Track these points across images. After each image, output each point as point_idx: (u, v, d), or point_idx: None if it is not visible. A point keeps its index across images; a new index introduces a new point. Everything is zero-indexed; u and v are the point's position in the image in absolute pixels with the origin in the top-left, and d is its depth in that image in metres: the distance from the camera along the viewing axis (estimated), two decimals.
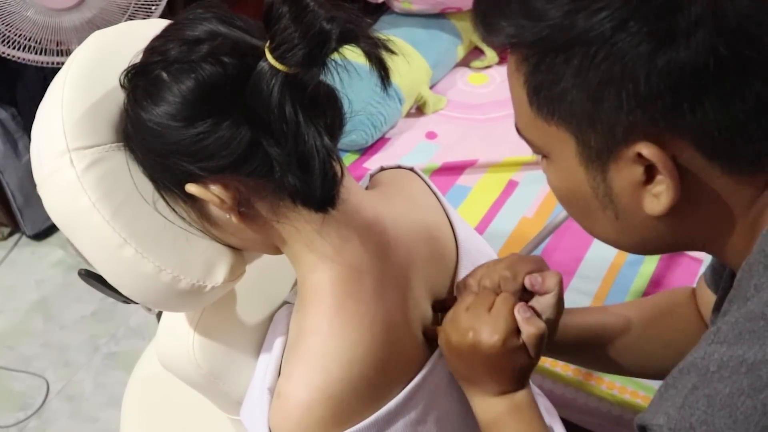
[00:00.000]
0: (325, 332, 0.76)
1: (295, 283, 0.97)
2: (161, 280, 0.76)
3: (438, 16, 2.27)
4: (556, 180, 0.66)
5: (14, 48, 1.80)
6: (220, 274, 0.79)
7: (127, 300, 0.88)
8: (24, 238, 2.53)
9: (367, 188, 0.93)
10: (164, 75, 0.70)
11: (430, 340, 0.85)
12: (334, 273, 0.78)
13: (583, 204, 0.64)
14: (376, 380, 0.77)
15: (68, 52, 1.87)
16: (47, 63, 1.88)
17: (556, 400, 1.40)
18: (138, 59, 0.74)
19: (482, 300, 0.80)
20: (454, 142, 2.05)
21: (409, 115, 2.15)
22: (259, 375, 0.83)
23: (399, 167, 0.98)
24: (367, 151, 2.02)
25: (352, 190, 0.80)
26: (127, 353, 2.16)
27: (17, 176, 2.36)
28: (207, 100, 0.69)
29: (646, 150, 0.56)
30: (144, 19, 1.91)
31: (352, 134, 1.92)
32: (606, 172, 0.60)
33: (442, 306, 0.87)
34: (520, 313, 0.78)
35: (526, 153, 1.94)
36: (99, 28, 1.84)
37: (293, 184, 0.70)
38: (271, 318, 0.91)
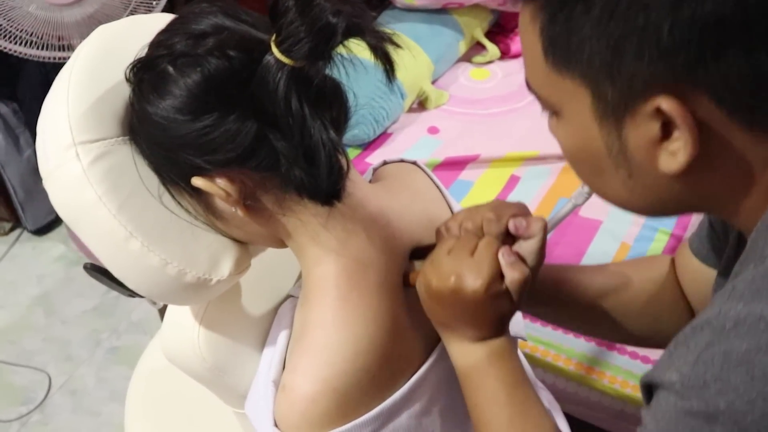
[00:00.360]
0: (329, 325, 0.76)
1: (299, 277, 0.97)
2: (167, 274, 0.76)
3: (440, 12, 2.27)
4: (566, 138, 0.65)
5: (16, 43, 1.80)
6: (225, 267, 0.80)
7: (132, 294, 0.88)
8: (25, 233, 2.54)
9: (370, 182, 0.94)
10: (170, 69, 0.70)
11: (409, 285, 0.82)
12: (339, 266, 0.78)
13: (594, 163, 0.63)
14: (380, 372, 0.77)
15: (69, 47, 1.88)
16: (48, 58, 1.88)
17: (558, 395, 1.40)
18: (143, 53, 0.75)
19: (465, 243, 0.76)
20: (456, 137, 2.05)
21: (411, 110, 2.15)
22: (264, 368, 0.84)
23: (402, 161, 0.98)
24: (369, 146, 2.02)
25: (357, 183, 0.80)
26: (129, 348, 2.17)
27: (19, 171, 2.37)
28: (213, 93, 0.69)
29: (666, 104, 0.54)
30: (145, 14, 1.91)
31: (355, 129, 1.92)
32: (621, 128, 0.58)
33: (420, 253, 0.83)
34: (505, 257, 0.74)
35: (528, 148, 1.95)
36: (100, 23, 1.84)
37: (299, 178, 0.71)
38: (275, 312, 0.91)
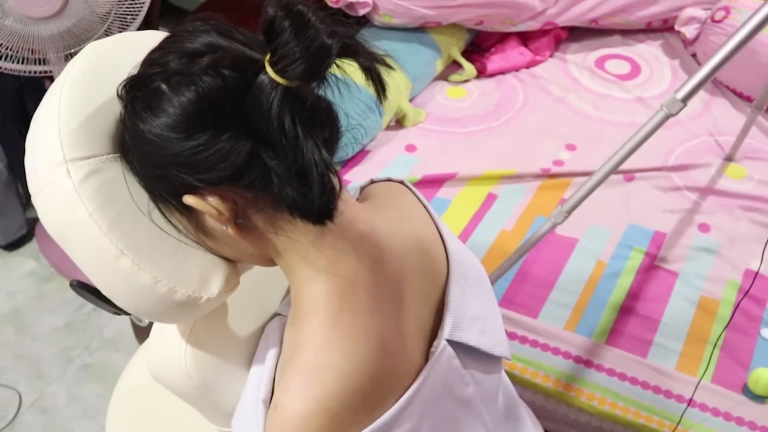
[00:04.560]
0: (321, 345, 0.76)
1: (286, 295, 0.97)
2: (157, 292, 0.76)
3: (417, 30, 2.29)
4: None
5: None
6: (215, 285, 0.80)
7: (118, 311, 0.88)
8: None
9: (358, 200, 0.94)
10: (164, 87, 0.70)
11: None
12: (329, 285, 0.78)
13: None
14: (371, 392, 0.77)
15: (44, 61, 1.87)
16: (23, 72, 1.87)
17: (537, 412, 1.41)
18: (136, 71, 0.74)
19: None
20: (434, 155, 2.07)
21: (388, 127, 2.16)
22: (252, 387, 0.83)
23: (389, 180, 0.99)
24: (347, 163, 2.02)
25: (348, 202, 0.80)
26: (101, 365, 2.14)
27: None
28: (207, 112, 0.69)
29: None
30: (120, 29, 1.91)
31: None
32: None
33: None
34: None
35: (505, 167, 1.97)
36: (77, 37, 1.84)
37: (292, 197, 0.71)
38: (262, 330, 0.91)
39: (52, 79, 2.10)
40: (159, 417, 1.26)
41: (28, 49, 1.84)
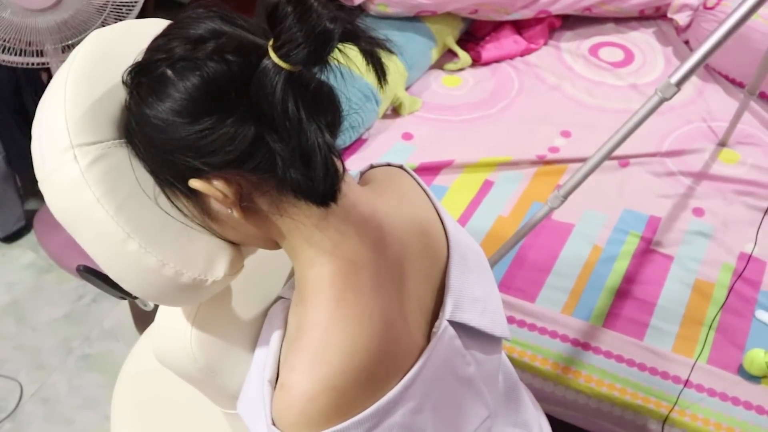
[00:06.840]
0: (326, 325, 0.77)
1: (289, 278, 0.99)
2: (164, 275, 0.77)
3: (413, 19, 2.30)
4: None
5: None
6: (220, 268, 0.81)
7: (124, 295, 0.89)
8: None
9: (358, 185, 0.95)
10: (169, 72, 0.71)
11: None
12: (333, 267, 0.79)
13: None
14: (375, 371, 0.78)
15: (41, 53, 1.87)
16: (20, 64, 1.87)
17: (535, 394, 1.43)
18: (141, 57, 0.75)
19: None
20: (430, 142, 2.08)
21: (385, 116, 2.17)
22: (258, 368, 0.85)
23: (389, 164, 1.00)
24: (344, 151, 2.03)
25: (351, 185, 0.82)
26: (102, 355, 2.16)
27: None
28: (212, 96, 0.70)
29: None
30: (116, 21, 1.92)
31: None
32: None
33: None
34: None
35: (500, 154, 1.99)
36: (74, 28, 1.85)
37: (296, 179, 0.72)
38: (265, 313, 0.92)
39: (48, 71, 2.10)
40: (164, 402, 1.27)
41: (26, 41, 1.84)
